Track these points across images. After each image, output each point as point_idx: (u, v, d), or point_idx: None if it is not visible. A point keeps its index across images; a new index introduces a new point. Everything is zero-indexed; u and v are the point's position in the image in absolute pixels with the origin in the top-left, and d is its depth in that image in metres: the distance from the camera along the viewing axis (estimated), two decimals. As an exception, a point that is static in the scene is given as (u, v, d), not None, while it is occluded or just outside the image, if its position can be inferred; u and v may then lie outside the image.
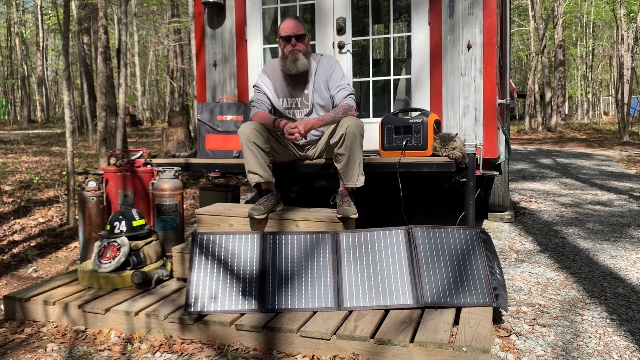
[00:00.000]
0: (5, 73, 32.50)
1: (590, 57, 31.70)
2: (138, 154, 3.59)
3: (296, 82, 3.32)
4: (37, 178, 7.02)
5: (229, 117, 3.78)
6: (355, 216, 2.96)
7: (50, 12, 23.06)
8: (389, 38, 4.47)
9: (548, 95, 21.62)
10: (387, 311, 2.54)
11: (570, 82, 34.06)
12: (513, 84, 24.20)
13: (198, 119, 3.75)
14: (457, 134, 3.36)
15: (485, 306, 2.55)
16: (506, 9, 4.28)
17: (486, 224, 5.07)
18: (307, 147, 3.47)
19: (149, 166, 3.57)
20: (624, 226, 4.89)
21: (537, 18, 20.26)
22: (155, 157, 4.73)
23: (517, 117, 30.65)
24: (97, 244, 3.13)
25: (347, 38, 4.31)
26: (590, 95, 32.92)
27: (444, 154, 3.25)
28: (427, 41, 4.14)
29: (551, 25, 22.36)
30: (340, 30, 4.30)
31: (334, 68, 3.31)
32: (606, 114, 37.69)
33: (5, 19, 31.41)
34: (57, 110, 36.66)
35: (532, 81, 21.78)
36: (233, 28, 4.65)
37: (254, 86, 3.42)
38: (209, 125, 3.74)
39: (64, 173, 7.32)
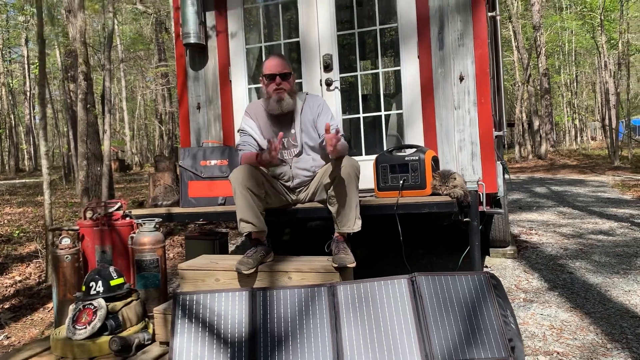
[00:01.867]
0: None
1: (575, 84, 32.09)
2: (116, 206, 3.35)
3: (281, 122, 3.13)
4: (17, 232, 6.72)
5: (213, 162, 3.56)
6: (353, 265, 2.73)
7: (36, 61, 23.08)
8: (377, 73, 4.31)
9: (536, 123, 21.70)
10: (393, 372, 2.28)
11: (556, 109, 34.37)
12: (500, 114, 24.34)
13: (180, 166, 3.53)
14: (456, 172, 3.17)
15: (502, 361, 2.30)
16: (497, 39, 4.16)
17: (489, 261, 4.83)
18: (298, 190, 3.24)
19: (127, 218, 3.32)
20: (632, 257, 4.68)
21: (521, 48, 20.51)
22: (142, 203, 4.49)
23: (506, 146, 30.79)
24: (71, 307, 2.86)
25: (335, 75, 4.16)
26: (577, 122, 33.19)
27: (444, 192, 3.04)
28: (417, 75, 3.99)
29: (534, 54, 22.63)
30: (327, 67, 4.15)
31: (322, 108, 3.12)
32: (594, 139, 37.99)
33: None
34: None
35: (520, 110, 21.89)
36: (216, 69, 4.48)
37: (238, 130, 3.21)
38: (191, 172, 3.52)
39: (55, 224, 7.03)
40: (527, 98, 22.01)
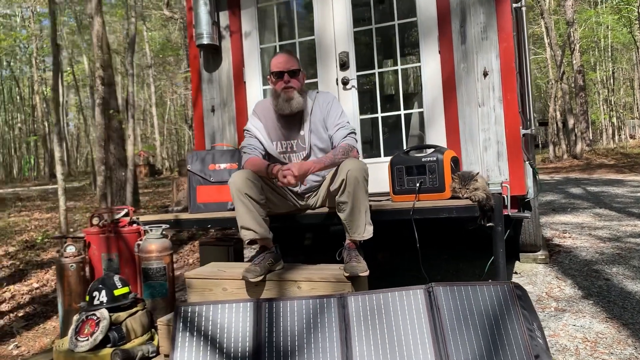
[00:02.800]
0: (28, 131, 33.18)
1: (611, 80, 31.08)
2: (123, 212, 3.25)
3: (290, 123, 2.96)
4: (41, 237, 6.75)
5: (222, 166, 3.43)
6: (366, 274, 2.55)
7: (68, 69, 23.57)
8: (397, 70, 4.13)
9: (571, 122, 21.04)
10: (407, 392, 2.10)
11: (592, 107, 33.36)
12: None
13: (188, 170, 3.41)
14: (478, 173, 2.95)
15: (528, 381, 2.09)
16: (522, 32, 3.92)
17: (518, 266, 4.58)
18: (307, 195, 3.07)
19: (134, 225, 3.21)
20: (675, 262, 4.36)
21: (553, 45, 19.91)
22: (167, 207, 4.40)
23: (540, 145, 30.03)
24: (75, 317, 2.77)
25: (352, 73, 3.98)
26: (614, 119, 32.14)
27: (464, 195, 2.82)
28: (438, 71, 3.78)
29: (568, 51, 21.97)
30: (344, 66, 3.98)
31: (331, 105, 2.94)
32: (632, 137, 36.70)
33: (28, 79, 32.29)
34: (78, 164, 37.17)
35: (553, 109, 21.26)
36: (230, 70, 4.36)
37: (244, 130, 3.05)
38: (200, 176, 3.40)
39: (71, 230, 7.04)
40: (561, 96, 21.36)
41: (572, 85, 22.53)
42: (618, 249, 4.97)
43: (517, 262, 4.72)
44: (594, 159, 20.03)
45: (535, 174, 4.09)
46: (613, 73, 31.22)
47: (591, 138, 23.84)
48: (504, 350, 2.19)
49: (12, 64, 30.11)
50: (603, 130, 33.30)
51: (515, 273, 4.39)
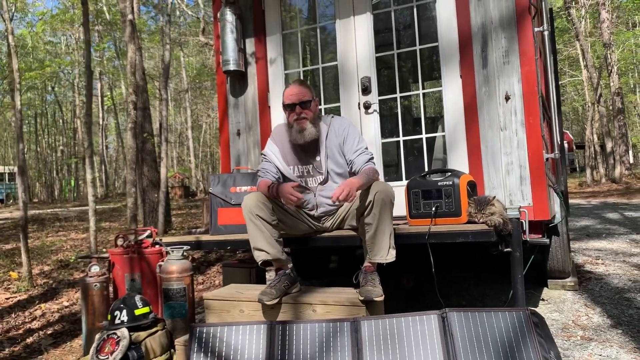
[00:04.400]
0: (70, 153, 34.32)
1: (652, 102, 30.31)
2: (146, 233, 3.33)
3: (306, 149, 3.01)
4: (74, 257, 6.94)
5: (243, 189, 3.49)
6: (381, 298, 2.54)
7: (107, 94, 24.40)
8: (418, 94, 4.14)
9: (609, 145, 20.54)
10: (418, 419, 2.07)
11: (633, 130, 32.48)
12: (571, 135, 23.28)
13: (210, 192, 3.49)
14: (495, 197, 2.92)
15: (543, 412, 2.04)
16: (546, 54, 3.90)
17: (546, 293, 4.47)
18: (323, 218, 3.10)
19: (157, 246, 3.29)
20: None
21: (590, 67, 19.58)
22: (196, 228, 4.49)
23: (577, 169, 29.34)
24: (97, 336, 2.83)
25: (373, 97, 4.02)
26: (655, 142, 31.22)
27: (480, 220, 2.80)
28: (460, 95, 3.79)
29: (605, 73, 21.56)
30: (366, 90, 4.03)
31: (347, 131, 2.98)
32: (675, 160, 35.50)
33: (70, 103, 33.50)
34: (116, 185, 38.15)
35: (590, 132, 20.82)
36: (256, 95, 4.46)
37: (261, 154, 3.12)
38: (221, 199, 3.46)
39: (102, 250, 7.23)
40: (599, 119, 20.90)
41: (610, 107, 22.05)
42: (652, 277, 4.80)
43: (545, 288, 4.62)
44: (633, 183, 19.44)
45: (561, 198, 4.02)
46: (654, 95, 30.42)
47: (631, 162, 23.17)
48: (519, 379, 2.15)
49: (56, 89, 31.33)
50: (644, 154, 32.36)
51: (543, 300, 4.28)
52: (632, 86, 29.80)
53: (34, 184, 36.50)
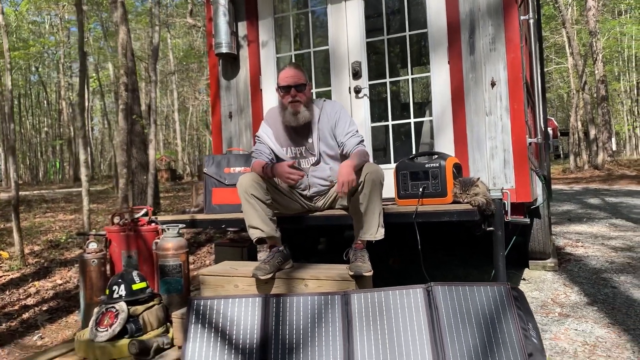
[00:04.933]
0: (54, 135, 33.98)
1: (635, 91, 30.68)
2: (142, 212, 3.42)
3: (299, 131, 3.11)
4: (64, 237, 6.99)
5: (237, 169, 3.59)
6: (370, 274, 2.67)
7: (93, 75, 24.13)
8: (407, 80, 4.25)
9: (592, 132, 20.85)
10: (405, 385, 2.21)
11: (616, 118, 32.92)
12: (555, 122, 23.56)
13: (204, 173, 3.58)
14: (479, 178, 3.05)
15: (520, 377, 2.19)
16: (531, 42, 4.01)
17: (527, 273, 4.65)
18: (315, 198, 3.22)
19: (153, 224, 3.39)
20: (685, 272, 4.39)
21: (575, 55, 19.80)
22: (184, 212, 4.58)
23: (561, 155, 29.72)
24: (96, 309, 2.93)
25: (364, 82, 4.12)
26: (638, 130, 31.68)
27: (465, 200, 2.93)
28: (447, 80, 3.90)
29: (590, 61, 21.80)
30: (356, 75, 4.12)
31: (339, 114, 3.08)
32: (657, 148, 36.10)
33: (55, 84, 33.10)
34: (102, 168, 37.90)
35: (575, 119, 21.10)
36: (247, 78, 4.54)
37: (255, 136, 3.23)
38: (215, 179, 3.56)
39: (93, 231, 7.28)
40: (583, 106, 21.18)
41: (595, 95, 22.33)
42: (629, 259, 5.00)
43: (526, 269, 4.79)
44: (615, 169, 19.80)
45: (543, 182, 4.17)
46: (637, 83, 30.81)
47: (614, 149, 23.55)
48: (499, 347, 2.29)
49: (40, 69, 30.92)
50: (627, 141, 32.85)
51: (524, 279, 4.46)
52: (616, 74, 30.14)
53: (18, 166, 36.11)
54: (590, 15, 19.85)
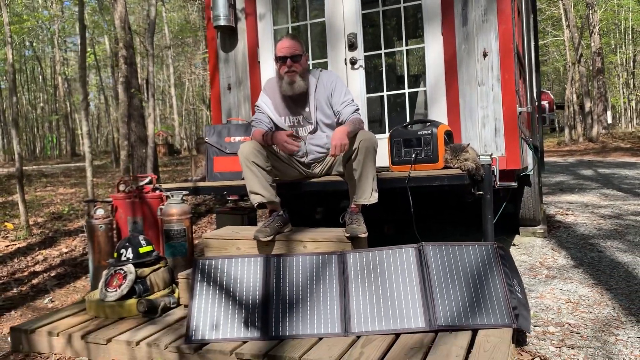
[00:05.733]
0: (50, 110, 33.85)
1: (632, 63, 30.65)
2: (146, 180, 3.55)
3: (296, 101, 3.23)
4: (67, 209, 7.14)
5: (237, 139, 3.72)
6: (365, 235, 2.82)
7: (89, 49, 23.91)
8: (402, 51, 4.35)
9: (587, 104, 20.94)
10: (397, 336, 2.38)
11: (612, 91, 32.95)
12: (551, 96, 23.59)
13: (206, 142, 3.70)
14: (469, 144, 3.19)
15: (504, 327, 2.36)
16: (522, 13, 4.11)
17: (517, 240, 4.82)
18: (312, 165, 3.36)
19: (157, 191, 3.52)
20: (669, 237, 4.56)
21: (572, 27, 19.76)
22: (187, 180, 4.71)
23: (557, 129, 29.82)
24: (104, 272, 3.09)
25: (359, 53, 4.22)
26: (633, 103, 31.75)
27: (455, 165, 3.08)
28: (441, 52, 4.00)
29: (587, 33, 21.76)
30: (352, 46, 4.22)
31: (335, 84, 3.19)
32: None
33: (50, 59, 32.84)
34: (99, 143, 37.87)
35: (570, 92, 21.15)
36: (246, 51, 4.62)
37: (255, 105, 3.35)
38: (216, 148, 3.69)
39: (94, 203, 7.41)
40: (579, 79, 21.22)
41: (591, 67, 22.35)
42: (617, 225, 5.17)
43: (516, 235, 4.96)
44: (610, 142, 19.96)
45: (532, 150, 4.31)
46: (634, 56, 30.77)
47: (609, 121, 23.65)
48: (485, 302, 2.46)
49: (34, 44, 30.64)
50: (622, 114, 32.93)
51: (514, 245, 4.63)
52: (612, 47, 30.09)
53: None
54: (588, -14, 19.73)
